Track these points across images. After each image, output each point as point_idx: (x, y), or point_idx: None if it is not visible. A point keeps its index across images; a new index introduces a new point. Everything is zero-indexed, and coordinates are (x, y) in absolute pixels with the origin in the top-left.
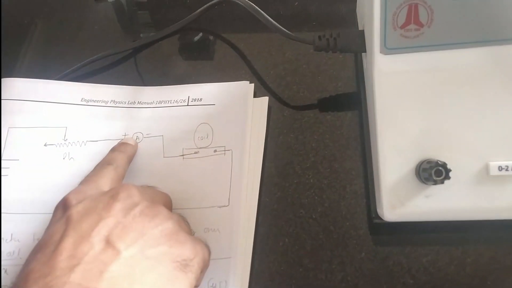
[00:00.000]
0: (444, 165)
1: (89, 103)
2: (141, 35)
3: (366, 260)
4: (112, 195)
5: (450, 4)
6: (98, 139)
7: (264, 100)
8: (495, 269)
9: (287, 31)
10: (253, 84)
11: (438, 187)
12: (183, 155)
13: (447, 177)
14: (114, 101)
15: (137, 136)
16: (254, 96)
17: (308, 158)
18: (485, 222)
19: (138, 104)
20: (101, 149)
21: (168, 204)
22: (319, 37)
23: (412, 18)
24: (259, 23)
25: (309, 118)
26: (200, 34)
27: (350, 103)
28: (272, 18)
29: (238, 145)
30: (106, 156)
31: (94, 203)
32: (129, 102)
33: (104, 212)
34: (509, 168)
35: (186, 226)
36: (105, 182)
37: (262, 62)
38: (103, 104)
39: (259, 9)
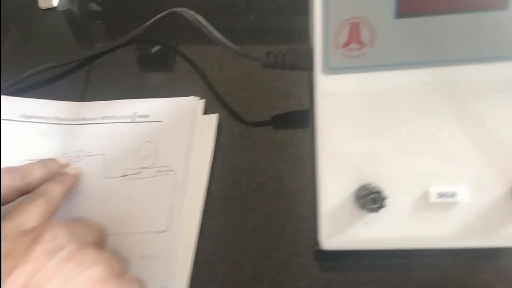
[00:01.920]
0: (378, 192)
1: (29, 120)
2: (97, 45)
3: None
4: (35, 236)
5: (392, 24)
6: (37, 158)
7: (213, 118)
8: None
9: (234, 46)
10: (203, 100)
11: (378, 214)
12: (124, 175)
13: (382, 205)
14: (56, 118)
15: (77, 155)
16: (204, 113)
17: (255, 179)
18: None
19: (82, 121)
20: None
21: (100, 241)
22: (267, 54)
23: (354, 37)
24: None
25: (258, 137)
26: (157, 47)
27: (301, 121)
28: (226, 32)
29: (182, 166)
30: (40, 187)
31: (12, 244)
32: (73, 119)
33: (23, 256)
34: (449, 195)
35: (119, 265)
36: (31, 218)
37: (215, 76)
38: (45, 120)
39: (205, 24)
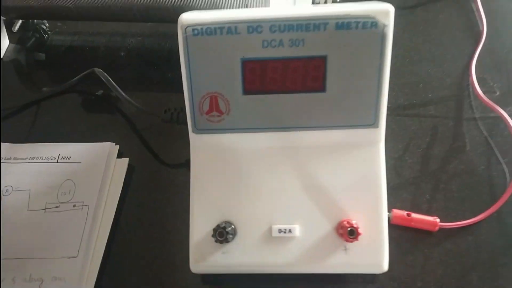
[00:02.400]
0: (224, 228)
1: None
2: (44, 89)
3: None
4: None
5: (242, 98)
6: None
7: (125, 161)
8: None
9: (136, 104)
10: (117, 146)
11: (233, 244)
12: (45, 208)
13: (227, 239)
14: None
15: (7, 189)
16: (120, 156)
17: (157, 214)
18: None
19: (14, 160)
20: None
21: None
22: (165, 111)
23: (214, 106)
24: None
25: (163, 179)
26: (92, 96)
27: None
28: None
29: (95, 202)
30: None
31: None
32: (5, 158)
33: None
34: (287, 231)
35: None
36: None
37: (137, 124)
38: None
39: (114, 84)
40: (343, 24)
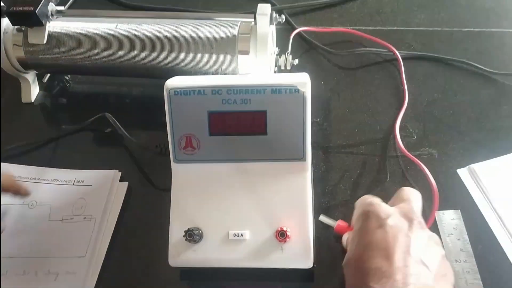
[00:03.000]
0: (192, 231)
1: None
2: (63, 126)
3: None
4: None
5: (208, 138)
6: (4, 204)
7: (125, 185)
8: None
9: (135, 140)
10: (120, 173)
11: (201, 245)
12: (62, 219)
13: (194, 239)
14: (20, 177)
15: (32, 203)
16: (121, 180)
17: (148, 225)
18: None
19: (38, 180)
20: (4, 213)
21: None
22: (156, 146)
23: (189, 143)
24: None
25: (153, 198)
26: (102, 132)
27: None
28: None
29: (101, 215)
30: None
31: None
32: (32, 178)
33: None
34: (240, 235)
35: None
36: None
37: (135, 155)
38: None
39: (119, 125)
40: (276, 90)
